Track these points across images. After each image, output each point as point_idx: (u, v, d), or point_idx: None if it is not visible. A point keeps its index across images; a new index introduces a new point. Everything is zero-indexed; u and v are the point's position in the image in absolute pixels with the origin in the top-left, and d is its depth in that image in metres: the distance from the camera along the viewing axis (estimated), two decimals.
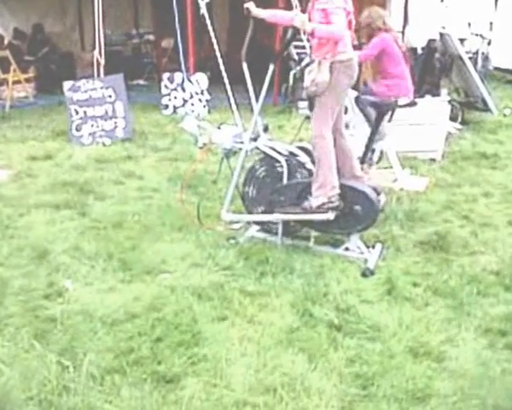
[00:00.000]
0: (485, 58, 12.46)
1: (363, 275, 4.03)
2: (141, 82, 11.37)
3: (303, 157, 4.38)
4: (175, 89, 8.82)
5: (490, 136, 8.19)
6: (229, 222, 4.59)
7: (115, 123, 7.09)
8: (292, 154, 4.38)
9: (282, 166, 4.34)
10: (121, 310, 3.52)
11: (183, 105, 8.83)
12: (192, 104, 8.81)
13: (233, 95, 7.61)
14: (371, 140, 5.14)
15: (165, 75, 8.86)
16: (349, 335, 3.30)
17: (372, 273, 4.04)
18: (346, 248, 4.31)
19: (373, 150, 5.54)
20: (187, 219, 4.73)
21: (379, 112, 5.15)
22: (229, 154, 4.54)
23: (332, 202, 4.14)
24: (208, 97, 8.86)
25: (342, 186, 4.21)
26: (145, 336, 3.27)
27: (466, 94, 8.62)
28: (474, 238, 4.72)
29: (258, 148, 4.38)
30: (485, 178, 6.32)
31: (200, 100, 8.84)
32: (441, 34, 8.82)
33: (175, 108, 8.85)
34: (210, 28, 7.97)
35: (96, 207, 5.00)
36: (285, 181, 4.33)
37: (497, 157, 7.10)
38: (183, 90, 8.82)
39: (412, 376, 2.98)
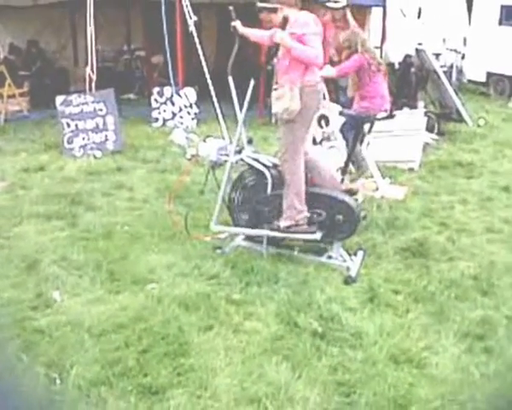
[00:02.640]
0: (460, 71, 12.50)
1: (346, 283, 3.94)
2: (131, 96, 11.22)
3: None
4: (164, 102, 8.70)
5: (465, 145, 8.15)
6: (217, 233, 4.46)
7: (106, 136, 6.95)
8: (276, 165, 4.28)
9: (265, 177, 4.23)
10: (108, 321, 3.39)
11: (173, 118, 8.70)
12: (181, 117, 8.69)
13: (220, 108, 7.55)
14: (350, 156, 5.06)
15: (155, 89, 8.74)
16: (332, 343, 3.20)
17: (354, 281, 3.95)
18: (329, 257, 4.22)
19: (353, 162, 5.47)
20: (175, 229, 4.61)
21: (357, 125, 5.07)
22: (215, 166, 4.43)
23: (299, 225, 4.07)
24: (197, 110, 8.74)
25: (323, 196, 4.13)
26: (132, 346, 3.15)
27: (441, 106, 8.59)
28: (451, 244, 4.64)
29: (242, 160, 4.27)
30: (462, 186, 6.26)
31: (188, 113, 8.72)
32: (417, 50, 8.80)
33: (164, 120, 8.72)
34: (198, 45, 7.87)
35: (86, 217, 4.85)
36: (269, 192, 4.22)
37: (473, 166, 7.06)
38: (173, 103, 8.69)
39: (394, 383, 2.89)
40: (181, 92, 8.69)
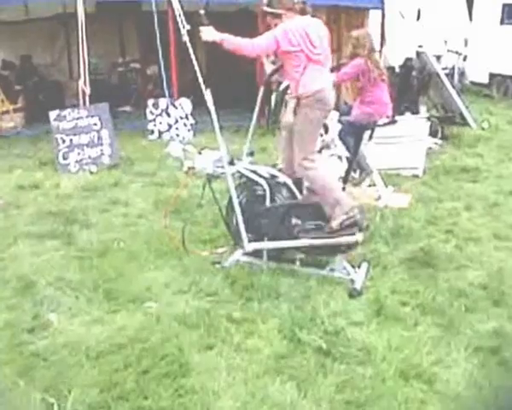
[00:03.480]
0: (462, 73, 12.48)
1: (351, 296, 3.88)
2: (127, 109, 11.20)
3: (282, 178, 4.23)
4: (160, 114, 8.69)
5: (469, 150, 8.12)
6: (215, 248, 4.41)
7: (101, 150, 6.92)
8: (274, 176, 4.23)
9: (263, 190, 4.19)
10: (106, 342, 3.34)
11: (168, 130, 8.69)
12: (177, 129, 8.68)
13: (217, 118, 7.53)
14: (352, 163, 5.03)
15: (150, 101, 8.72)
16: (338, 360, 3.14)
17: (359, 294, 3.89)
18: (332, 270, 4.16)
19: (354, 170, 5.44)
20: (171, 244, 4.57)
21: (358, 132, 5.03)
22: (212, 178, 4.39)
23: (351, 217, 3.98)
24: (193, 121, 8.73)
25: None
26: (131, 368, 3.09)
27: (444, 110, 8.56)
28: (459, 252, 4.60)
29: (239, 171, 4.23)
30: (467, 191, 6.22)
31: (184, 124, 8.70)
32: (418, 52, 8.78)
33: (160, 132, 8.70)
34: (192, 54, 7.85)
35: (82, 235, 4.81)
36: (268, 204, 4.18)
37: (478, 170, 7.02)
38: (168, 115, 8.68)
39: (404, 400, 2.84)
40: (176, 103, 8.69)
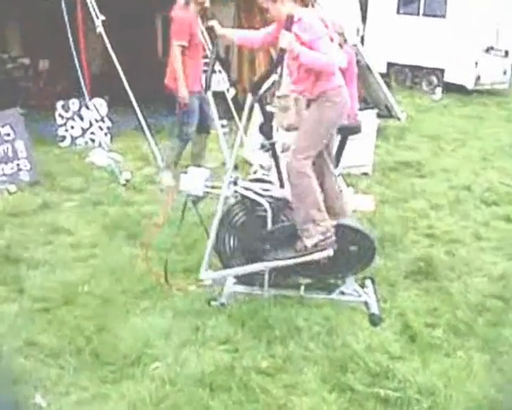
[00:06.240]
0: (357, 62, 12.66)
1: (373, 324, 3.54)
2: (18, 110, 9.89)
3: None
4: (71, 117, 7.69)
5: (400, 142, 8.20)
6: (210, 282, 3.83)
7: (18, 165, 5.88)
8: (272, 197, 3.74)
9: (263, 210, 3.69)
10: None
11: (83, 135, 7.73)
12: (92, 133, 7.74)
13: (141, 119, 6.80)
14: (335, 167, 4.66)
15: (59, 103, 7.67)
16: (404, 408, 2.77)
17: (381, 320, 3.56)
18: (342, 293, 3.79)
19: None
20: (148, 279, 3.92)
21: (343, 136, 4.67)
22: (198, 200, 3.81)
23: (328, 238, 3.57)
24: (109, 124, 7.84)
25: (336, 226, 3.67)
26: None
27: (373, 102, 8.51)
28: (453, 259, 4.46)
29: (236, 191, 3.68)
30: (422, 188, 6.17)
31: (100, 128, 7.78)
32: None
33: (73, 138, 7.71)
34: (110, 49, 7.03)
35: (32, 278, 3.93)
36: (270, 226, 3.69)
37: (420, 164, 7.05)
38: (81, 118, 7.73)
39: None
40: (89, 104, 7.75)
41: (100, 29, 7.17)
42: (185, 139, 5.96)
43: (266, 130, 3.80)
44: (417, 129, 9.08)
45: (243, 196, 3.69)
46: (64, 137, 7.69)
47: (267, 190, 3.76)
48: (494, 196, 5.93)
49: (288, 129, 3.65)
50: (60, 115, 7.67)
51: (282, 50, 3.28)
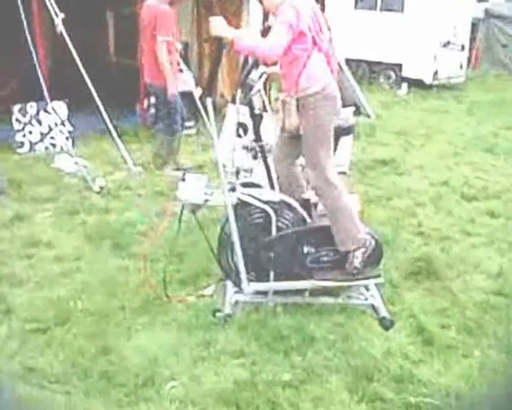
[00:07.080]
0: None
1: (385, 327, 3.53)
2: None
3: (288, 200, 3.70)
4: (29, 122, 7.35)
5: (371, 139, 8.28)
6: (211, 292, 3.72)
7: None
8: (272, 202, 3.65)
9: (263, 217, 3.61)
10: None
11: (42, 140, 7.40)
12: (52, 138, 7.43)
13: (106, 121, 6.57)
14: None
15: (16, 107, 7.32)
16: None
17: (392, 323, 3.55)
18: (349, 297, 3.76)
19: None
20: (143, 292, 3.77)
21: (336, 137, 4.64)
22: (197, 209, 3.68)
23: (368, 248, 3.59)
24: (70, 128, 7.54)
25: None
26: None
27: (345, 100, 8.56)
28: (447, 256, 4.52)
29: (238, 199, 3.58)
30: (402, 186, 6.25)
31: (61, 132, 7.47)
32: None
33: (32, 144, 7.37)
34: (72, 48, 6.76)
35: (18, 297, 3.69)
36: (274, 233, 3.61)
37: (395, 162, 7.14)
38: (39, 122, 7.40)
39: None
40: (48, 108, 7.43)
41: (60, 28, 6.90)
42: (173, 133, 6.26)
43: (255, 132, 3.75)
44: (385, 125, 9.21)
45: (244, 203, 3.59)
46: (22, 143, 7.34)
47: (262, 194, 3.69)
48: (472, 191, 6.08)
49: (291, 132, 3.61)
50: (17, 120, 7.32)
51: (219, 39, 3.26)
